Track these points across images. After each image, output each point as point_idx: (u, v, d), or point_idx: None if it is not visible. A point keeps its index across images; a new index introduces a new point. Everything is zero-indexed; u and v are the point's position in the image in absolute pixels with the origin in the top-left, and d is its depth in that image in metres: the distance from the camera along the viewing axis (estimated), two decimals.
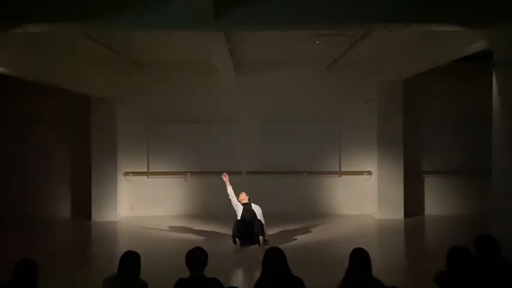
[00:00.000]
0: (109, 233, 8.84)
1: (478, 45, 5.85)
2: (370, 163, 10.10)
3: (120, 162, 9.81)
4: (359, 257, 3.60)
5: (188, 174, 10.13)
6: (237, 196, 7.72)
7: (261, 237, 7.30)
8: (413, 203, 9.90)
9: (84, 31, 6.22)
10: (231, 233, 7.44)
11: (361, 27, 6.17)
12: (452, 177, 10.06)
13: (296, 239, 7.89)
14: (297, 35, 7.41)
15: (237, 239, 7.31)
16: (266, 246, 6.72)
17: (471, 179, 9.84)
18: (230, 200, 7.69)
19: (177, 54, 9.30)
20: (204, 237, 8.03)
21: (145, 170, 10.18)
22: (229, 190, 7.72)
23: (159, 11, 4.81)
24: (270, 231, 8.15)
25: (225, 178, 7.80)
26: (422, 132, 10.15)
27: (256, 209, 7.60)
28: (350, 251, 3.66)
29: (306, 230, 8.52)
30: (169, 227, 8.97)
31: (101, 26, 5.30)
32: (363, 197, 10.16)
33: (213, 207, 9.85)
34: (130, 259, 3.84)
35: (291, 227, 8.70)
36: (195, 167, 10.11)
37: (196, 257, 3.70)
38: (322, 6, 4.87)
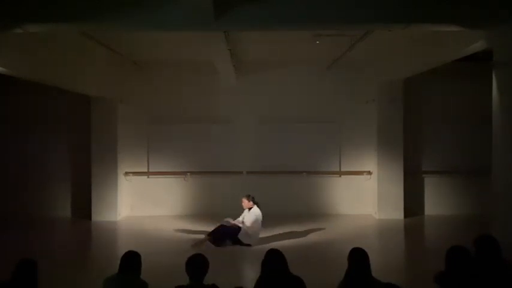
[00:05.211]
0: (109, 233, 8.83)
1: (478, 45, 5.84)
2: (370, 163, 10.10)
3: (120, 162, 9.81)
4: (357, 257, 3.61)
5: (188, 174, 10.14)
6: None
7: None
8: (413, 203, 9.90)
9: (84, 31, 6.23)
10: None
11: (361, 27, 6.18)
12: (452, 177, 10.06)
13: (296, 239, 7.89)
14: (297, 35, 7.41)
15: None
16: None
17: (471, 179, 9.85)
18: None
19: (177, 54, 9.31)
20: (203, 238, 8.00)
21: (146, 170, 10.19)
22: (238, 222, 7.70)
23: (159, 11, 4.81)
24: (270, 232, 8.18)
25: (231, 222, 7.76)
26: (422, 132, 10.15)
27: (249, 214, 7.63)
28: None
29: (306, 230, 8.51)
30: (169, 227, 8.97)
31: (101, 26, 5.30)
32: (363, 197, 10.16)
33: (213, 207, 9.88)
34: (131, 259, 3.84)
35: (291, 227, 8.70)
36: (195, 167, 10.11)
37: (196, 265, 3.56)
38: (322, 6, 4.87)
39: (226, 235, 7.51)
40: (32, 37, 5.88)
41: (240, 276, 6.29)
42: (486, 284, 3.52)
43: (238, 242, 7.47)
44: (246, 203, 7.75)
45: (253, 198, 7.77)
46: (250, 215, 7.61)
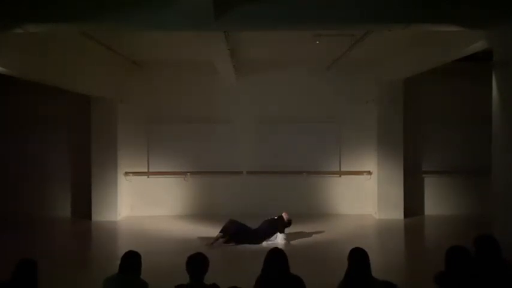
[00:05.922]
0: (109, 233, 8.83)
1: (478, 45, 5.84)
2: (370, 163, 10.10)
3: (120, 162, 9.81)
4: (357, 257, 3.61)
5: (188, 174, 10.14)
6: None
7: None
8: (413, 203, 9.90)
9: (84, 31, 6.22)
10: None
11: (361, 27, 6.17)
12: (452, 177, 10.06)
13: (296, 239, 7.89)
14: (297, 35, 7.41)
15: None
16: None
17: (471, 179, 9.85)
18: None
19: (177, 54, 9.30)
20: (203, 237, 8.01)
21: (146, 170, 10.19)
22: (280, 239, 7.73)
23: (159, 11, 4.81)
24: None
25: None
26: (422, 132, 10.15)
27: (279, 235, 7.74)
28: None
29: (306, 230, 8.51)
30: (170, 227, 8.97)
31: (101, 26, 5.30)
32: (363, 197, 10.17)
33: (213, 207, 9.89)
34: (132, 259, 3.84)
35: (291, 227, 8.68)
36: (195, 167, 10.12)
37: (196, 263, 3.58)
38: (322, 6, 4.86)
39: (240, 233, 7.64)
40: (32, 37, 5.88)
41: (239, 275, 6.27)
42: (486, 284, 3.52)
43: (242, 241, 7.58)
44: (285, 217, 7.89)
45: (290, 221, 7.90)
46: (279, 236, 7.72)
